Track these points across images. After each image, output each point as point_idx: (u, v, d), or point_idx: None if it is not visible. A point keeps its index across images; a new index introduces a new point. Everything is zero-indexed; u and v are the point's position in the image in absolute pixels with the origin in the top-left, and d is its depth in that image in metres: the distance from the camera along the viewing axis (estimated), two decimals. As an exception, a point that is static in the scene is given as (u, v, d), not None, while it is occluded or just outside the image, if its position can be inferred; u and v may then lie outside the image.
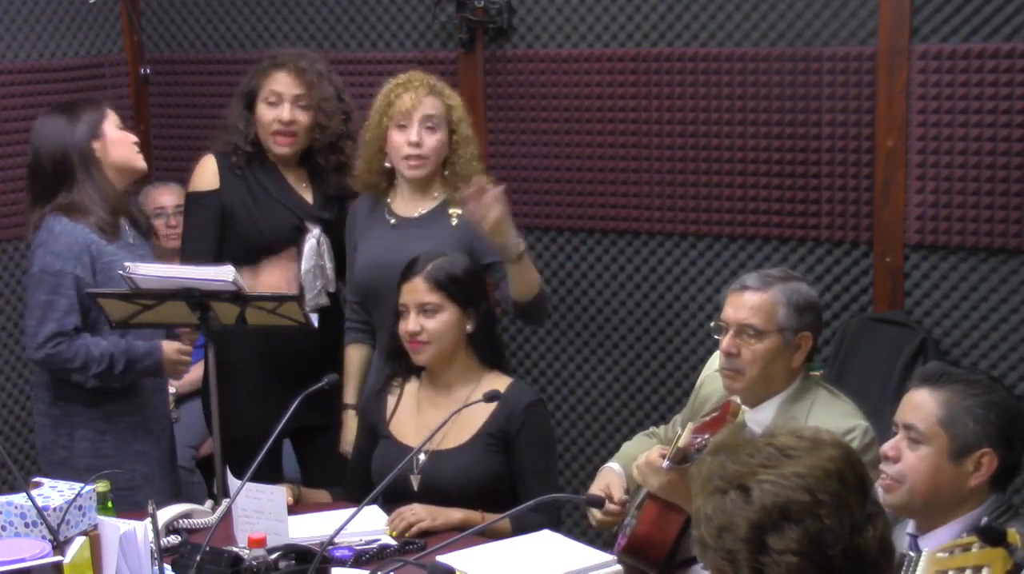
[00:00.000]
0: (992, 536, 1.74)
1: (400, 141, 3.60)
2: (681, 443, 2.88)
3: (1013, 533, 1.75)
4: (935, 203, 3.88)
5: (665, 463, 2.91)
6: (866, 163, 3.96)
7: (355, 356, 3.75)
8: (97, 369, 3.46)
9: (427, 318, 3.24)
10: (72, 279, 3.45)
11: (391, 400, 3.37)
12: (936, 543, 1.99)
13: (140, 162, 3.65)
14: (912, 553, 1.93)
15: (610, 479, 3.22)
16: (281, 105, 3.74)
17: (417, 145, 3.59)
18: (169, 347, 3.57)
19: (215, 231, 3.76)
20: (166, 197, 4.66)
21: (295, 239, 3.74)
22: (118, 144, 3.59)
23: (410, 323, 3.25)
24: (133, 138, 3.65)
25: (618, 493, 3.17)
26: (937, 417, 2.44)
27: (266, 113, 3.75)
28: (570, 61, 4.37)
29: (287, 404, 3.00)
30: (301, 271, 3.73)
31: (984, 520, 1.78)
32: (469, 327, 3.28)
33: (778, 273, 3.08)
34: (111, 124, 3.60)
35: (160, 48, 5.10)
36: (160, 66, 5.04)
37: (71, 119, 3.57)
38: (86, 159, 3.54)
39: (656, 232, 4.32)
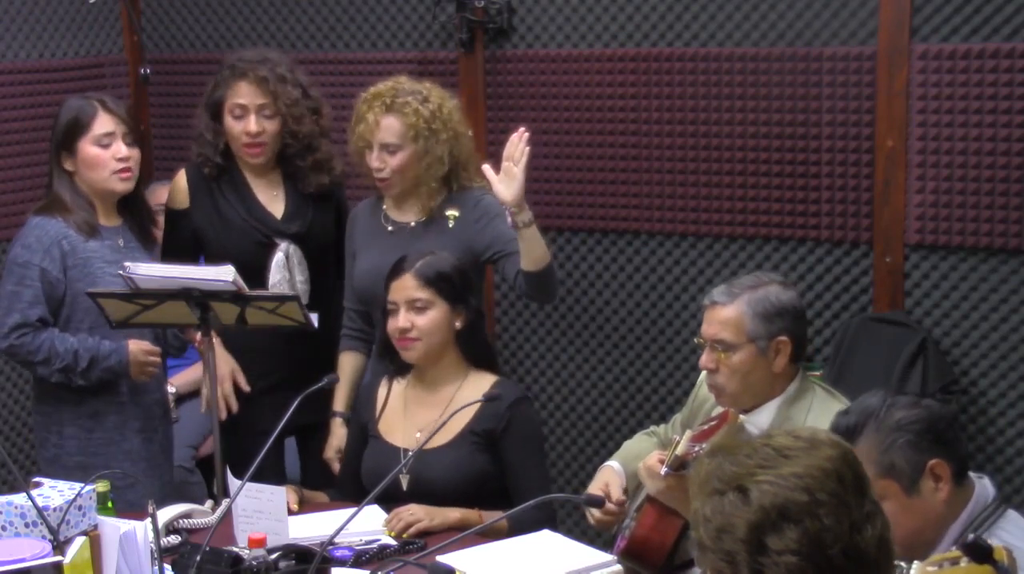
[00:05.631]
0: (978, 553, 1.73)
1: (369, 163, 3.60)
2: (679, 451, 2.88)
3: (999, 549, 1.74)
4: (935, 203, 3.88)
5: (663, 470, 2.91)
6: (866, 163, 3.96)
7: (348, 364, 3.74)
8: (59, 364, 3.44)
9: (417, 315, 3.24)
10: (38, 271, 3.44)
11: (379, 401, 3.38)
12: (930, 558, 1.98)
13: (114, 184, 3.52)
14: (903, 564, 1.93)
15: (609, 478, 3.22)
16: (247, 117, 3.69)
17: (379, 169, 3.58)
18: (136, 347, 3.52)
19: (188, 248, 3.75)
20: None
21: (262, 255, 3.71)
22: (91, 166, 3.49)
23: (400, 320, 3.25)
24: (117, 154, 3.49)
25: (616, 493, 3.17)
26: (874, 474, 2.34)
27: (233, 126, 3.71)
28: (570, 61, 4.37)
29: (287, 403, 3.02)
30: (268, 286, 3.71)
31: (970, 536, 1.77)
32: (458, 324, 3.28)
33: (749, 281, 3.04)
34: (90, 140, 3.48)
35: (160, 48, 5.10)
36: (160, 66, 5.04)
37: (59, 121, 3.51)
38: (59, 170, 3.52)
39: (656, 232, 4.32)
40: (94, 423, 3.54)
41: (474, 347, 3.33)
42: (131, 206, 3.64)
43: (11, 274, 3.48)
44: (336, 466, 3.64)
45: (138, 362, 3.52)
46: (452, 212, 3.60)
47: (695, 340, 3.12)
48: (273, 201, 3.81)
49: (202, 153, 3.77)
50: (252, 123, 3.69)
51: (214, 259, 3.63)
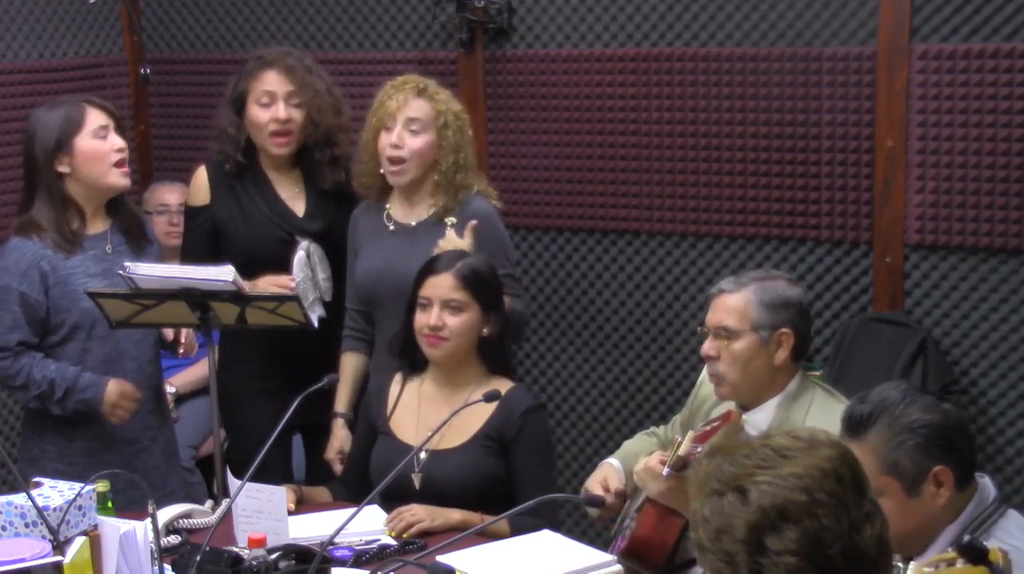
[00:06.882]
0: (974, 554, 1.73)
1: (384, 143, 3.58)
2: (681, 452, 2.88)
3: (995, 550, 1.74)
4: (935, 203, 3.88)
5: (665, 471, 2.91)
6: (866, 163, 3.96)
7: (349, 364, 3.74)
8: (36, 391, 3.42)
9: (451, 315, 3.24)
10: (16, 295, 3.41)
11: (391, 398, 3.37)
12: (926, 559, 1.98)
13: (115, 179, 3.49)
14: (900, 565, 1.92)
15: (608, 473, 3.24)
16: (275, 104, 3.70)
17: (397, 147, 3.56)
18: (113, 388, 3.45)
19: (209, 244, 3.76)
20: (170, 195, 4.66)
21: (284, 252, 3.71)
22: (90, 159, 3.45)
23: (433, 317, 3.24)
24: (115, 145, 3.48)
25: (615, 484, 3.18)
26: (878, 468, 2.38)
27: (260, 114, 3.71)
28: (570, 61, 4.37)
29: (291, 404, 3.02)
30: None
31: (966, 538, 1.77)
32: (486, 331, 3.28)
33: (756, 274, 3.09)
34: (87, 133, 3.45)
35: (160, 48, 5.10)
36: (160, 66, 5.04)
37: (44, 126, 3.46)
38: (48, 176, 3.46)
39: (656, 232, 4.32)
40: (75, 433, 3.51)
41: (496, 356, 3.33)
42: (118, 207, 3.60)
43: None
44: (337, 467, 3.64)
45: (111, 402, 3.45)
46: (451, 219, 3.59)
47: (698, 329, 3.14)
48: (295, 198, 3.81)
49: (223, 150, 3.76)
50: (281, 110, 3.70)
51: (234, 255, 3.63)
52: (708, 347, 3.04)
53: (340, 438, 3.67)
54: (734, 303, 3.01)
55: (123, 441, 3.57)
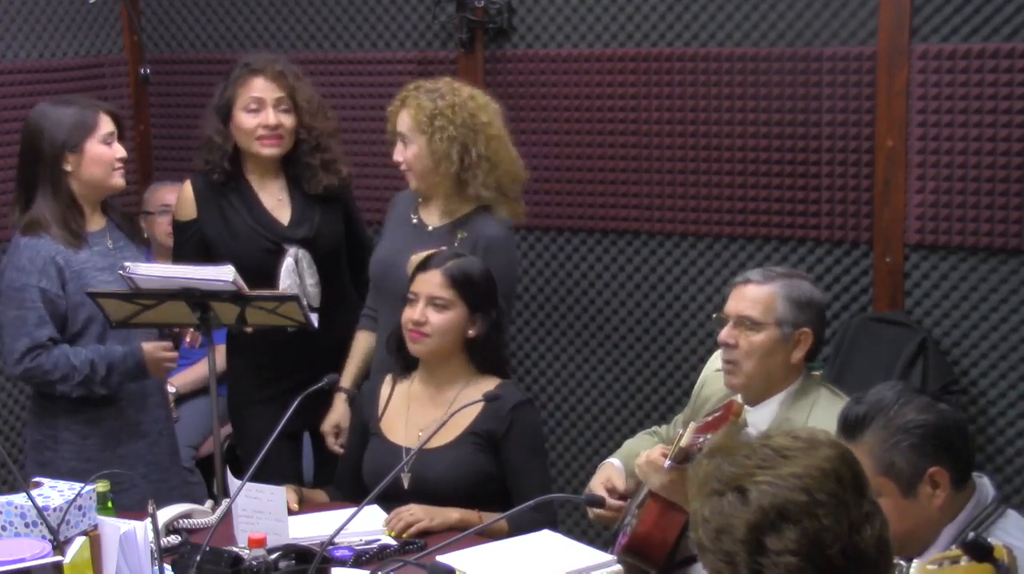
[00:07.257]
0: (979, 551, 1.73)
1: None
2: (683, 443, 2.88)
3: (1000, 548, 1.74)
4: (935, 203, 3.88)
5: (667, 463, 2.91)
6: (866, 163, 3.96)
7: (361, 342, 3.75)
8: (78, 378, 3.42)
9: (435, 312, 3.24)
10: (37, 292, 3.42)
11: (382, 399, 3.38)
12: (929, 556, 1.98)
13: (114, 182, 3.54)
14: (903, 562, 1.92)
15: (611, 473, 3.24)
16: (264, 110, 3.69)
17: (399, 162, 3.63)
18: (150, 347, 3.51)
19: (199, 257, 3.74)
20: (171, 195, 4.64)
21: (271, 262, 3.71)
22: (96, 162, 3.49)
23: (417, 312, 3.25)
24: (118, 154, 3.53)
25: (620, 483, 3.18)
26: (874, 469, 2.34)
27: (248, 120, 3.70)
28: (570, 61, 4.37)
29: (300, 409, 3.02)
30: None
31: (971, 535, 1.77)
32: (472, 332, 3.27)
33: (782, 270, 3.12)
34: (97, 138, 3.49)
35: (160, 48, 5.10)
36: (160, 66, 5.04)
37: (55, 123, 3.48)
38: (53, 172, 3.48)
39: (656, 232, 4.32)
40: (90, 429, 3.52)
41: (483, 357, 3.32)
42: (109, 205, 3.64)
43: (10, 300, 3.45)
44: (330, 440, 3.64)
45: (154, 359, 3.52)
46: (462, 233, 3.59)
47: (712, 315, 3.13)
48: (279, 207, 3.80)
49: (210, 160, 3.76)
50: (270, 116, 3.70)
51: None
52: (726, 334, 3.04)
53: (339, 412, 3.67)
54: (760, 295, 3.02)
55: (136, 434, 3.59)
